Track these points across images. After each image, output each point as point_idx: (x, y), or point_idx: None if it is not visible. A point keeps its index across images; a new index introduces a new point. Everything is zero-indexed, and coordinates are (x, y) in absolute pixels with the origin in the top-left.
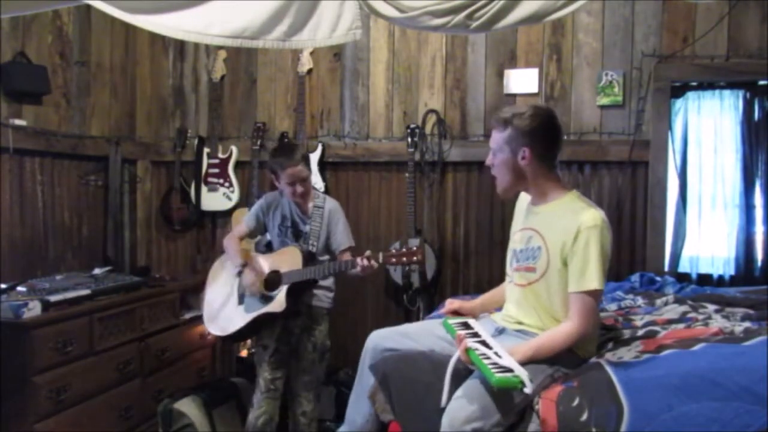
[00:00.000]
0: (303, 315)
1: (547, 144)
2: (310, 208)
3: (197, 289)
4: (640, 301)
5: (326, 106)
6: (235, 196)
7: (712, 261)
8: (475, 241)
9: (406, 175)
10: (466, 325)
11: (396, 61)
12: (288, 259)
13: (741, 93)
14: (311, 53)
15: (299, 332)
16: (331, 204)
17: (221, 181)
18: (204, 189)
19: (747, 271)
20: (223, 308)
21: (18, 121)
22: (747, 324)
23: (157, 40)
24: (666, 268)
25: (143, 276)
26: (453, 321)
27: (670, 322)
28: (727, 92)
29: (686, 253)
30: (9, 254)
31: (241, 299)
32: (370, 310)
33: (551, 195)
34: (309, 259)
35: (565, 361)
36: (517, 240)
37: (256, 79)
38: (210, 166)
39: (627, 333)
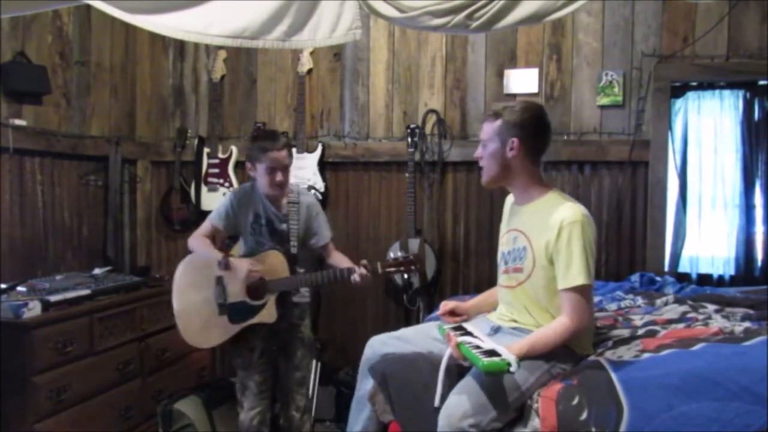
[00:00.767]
0: (289, 313)
1: (535, 138)
2: (285, 205)
3: None
4: (640, 301)
5: (326, 106)
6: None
7: (712, 261)
8: (475, 241)
9: (406, 175)
10: (461, 328)
11: (396, 61)
12: (273, 266)
13: (741, 93)
14: (311, 53)
15: (286, 330)
16: (306, 198)
17: (221, 181)
18: (204, 189)
19: (747, 271)
20: (202, 318)
21: (18, 121)
22: (747, 324)
23: (157, 40)
24: (666, 268)
25: (143, 276)
26: (448, 326)
27: (670, 321)
28: (727, 92)
29: (686, 253)
30: (9, 254)
31: (222, 308)
32: (370, 310)
33: (533, 194)
34: (293, 263)
35: (561, 357)
36: (504, 242)
37: (256, 79)
38: (210, 166)
39: (627, 333)
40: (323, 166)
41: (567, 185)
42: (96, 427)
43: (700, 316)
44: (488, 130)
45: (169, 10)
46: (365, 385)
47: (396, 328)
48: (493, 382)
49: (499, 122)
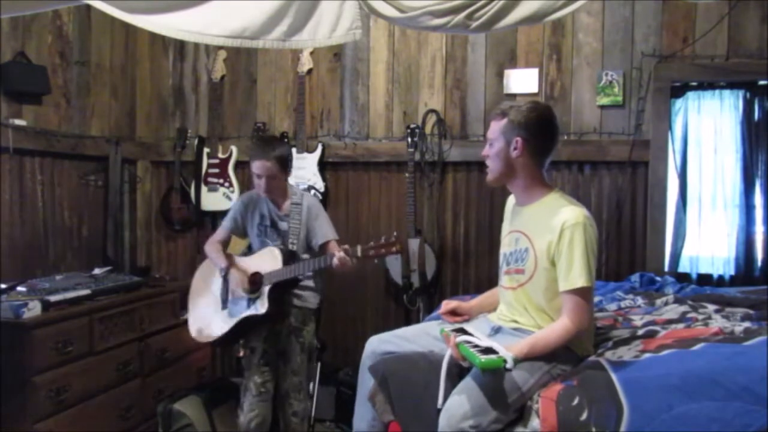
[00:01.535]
0: (290, 316)
1: (540, 139)
2: (287, 206)
3: None
4: (640, 301)
5: (326, 106)
6: (235, 196)
7: (712, 261)
8: (475, 241)
9: (406, 175)
10: (462, 331)
11: (396, 61)
12: (268, 260)
13: (741, 93)
14: (311, 53)
15: (287, 334)
16: (309, 200)
17: (221, 181)
18: (204, 189)
19: (747, 271)
20: (208, 314)
21: (18, 121)
22: (747, 324)
23: (157, 40)
24: (666, 268)
25: (143, 276)
26: (448, 327)
27: (670, 322)
28: (727, 92)
29: (686, 253)
30: (9, 254)
31: (224, 304)
32: (370, 310)
33: (535, 195)
34: (289, 257)
35: (562, 359)
36: (506, 243)
37: (256, 79)
38: (210, 166)
39: (627, 333)
40: (323, 166)
41: (567, 185)
42: (96, 427)
43: (700, 316)
44: (494, 128)
45: (169, 10)
46: (366, 384)
47: (396, 328)
48: (494, 383)
49: (504, 121)
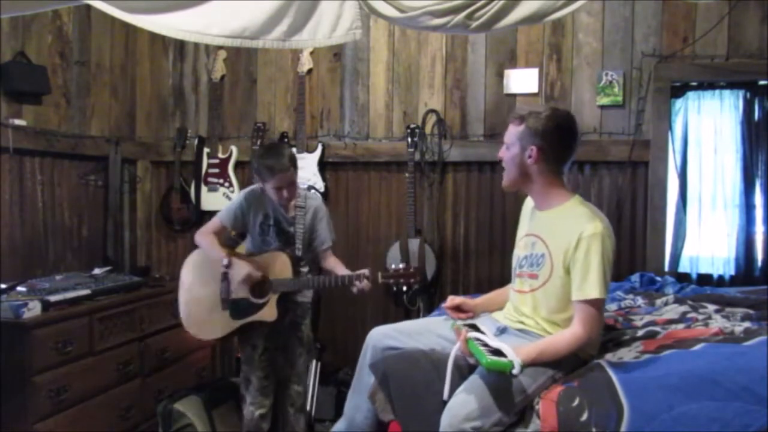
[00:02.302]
0: (291, 311)
1: (557, 147)
2: (292, 208)
3: None
4: (640, 301)
5: (326, 106)
6: (235, 196)
7: (712, 261)
8: (475, 241)
9: (406, 175)
10: (475, 327)
11: (396, 61)
12: (277, 266)
13: (741, 93)
14: (311, 53)
15: (287, 329)
16: (313, 201)
17: (221, 181)
18: (204, 189)
19: (747, 271)
20: (206, 311)
21: (18, 121)
22: (747, 324)
23: (157, 40)
24: (666, 268)
25: (143, 276)
26: (460, 322)
27: (670, 322)
28: (727, 92)
29: (686, 253)
30: (9, 254)
31: (224, 303)
32: (370, 310)
33: (554, 200)
34: (297, 265)
35: (568, 366)
36: (521, 246)
37: (256, 79)
38: (210, 166)
39: (627, 333)
40: (323, 166)
41: (567, 185)
42: (96, 427)
43: (700, 317)
44: (511, 133)
45: (169, 10)
46: (364, 376)
47: None
48: (499, 384)
49: (522, 127)
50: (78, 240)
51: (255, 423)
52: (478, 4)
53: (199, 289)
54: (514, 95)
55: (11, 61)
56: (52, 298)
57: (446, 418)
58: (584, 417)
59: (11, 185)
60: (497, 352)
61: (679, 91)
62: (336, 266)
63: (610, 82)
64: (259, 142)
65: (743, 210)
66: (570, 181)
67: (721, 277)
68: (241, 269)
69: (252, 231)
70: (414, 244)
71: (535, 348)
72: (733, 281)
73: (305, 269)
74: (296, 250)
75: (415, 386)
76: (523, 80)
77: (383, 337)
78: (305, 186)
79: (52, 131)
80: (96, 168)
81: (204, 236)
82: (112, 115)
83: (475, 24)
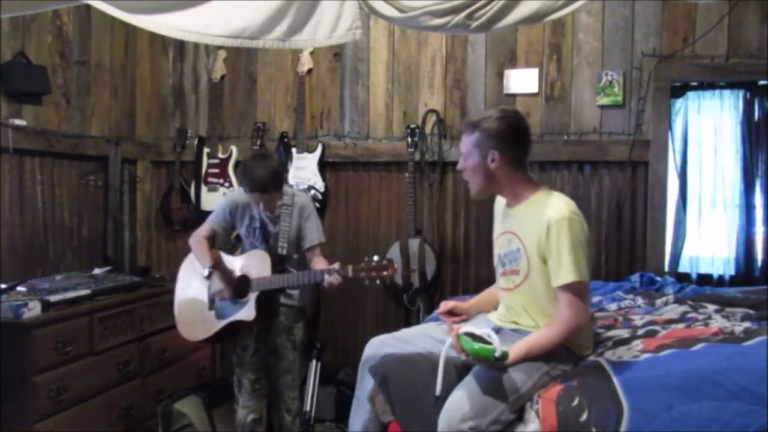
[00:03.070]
0: (280, 315)
1: (515, 146)
2: (278, 207)
3: None
4: (640, 301)
5: (326, 106)
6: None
7: (712, 261)
8: (475, 241)
9: (406, 175)
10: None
11: (396, 61)
12: (257, 264)
13: (741, 93)
14: (311, 53)
15: (278, 332)
16: (300, 199)
17: (221, 181)
18: (204, 189)
19: (747, 271)
20: (195, 312)
21: (18, 121)
22: (747, 324)
23: (157, 40)
24: (666, 268)
25: (143, 276)
26: (465, 330)
27: (670, 322)
28: (727, 92)
29: (686, 253)
30: (9, 254)
31: (211, 304)
32: (370, 310)
33: (523, 195)
34: (278, 263)
35: (560, 358)
36: (499, 244)
37: (256, 79)
38: (210, 166)
39: (627, 333)
40: (323, 166)
41: (567, 185)
42: (96, 427)
43: (700, 316)
44: (467, 142)
45: (169, 10)
46: (365, 385)
47: (396, 328)
48: (494, 382)
49: (477, 134)
50: (78, 240)
51: (249, 428)
52: (478, 4)
53: (190, 290)
54: (514, 95)
55: (11, 61)
56: (52, 298)
57: (443, 420)
58: (584, 417)
59: (11, 185)
60: (484, 341)
61: (679, 91)
62: (317, 263)
63: (610, 82)
64: (259, 142)
65: (743, 210)
66: (570, 181)
67: (721, 277)
68: (215, 285)
69: (240, 232)
70: (414, 244)
71: (524, 344)
72: (733, 281)
73: (292, 270)
74: (280, 248)
75: (414, 387)
76: (523, 80)
77: (380, 346)
78: (305, 186)
79: (52, 131)
80: (96, 168)
81: (196, 241)
82: (112, 115)
83: (475, 24)
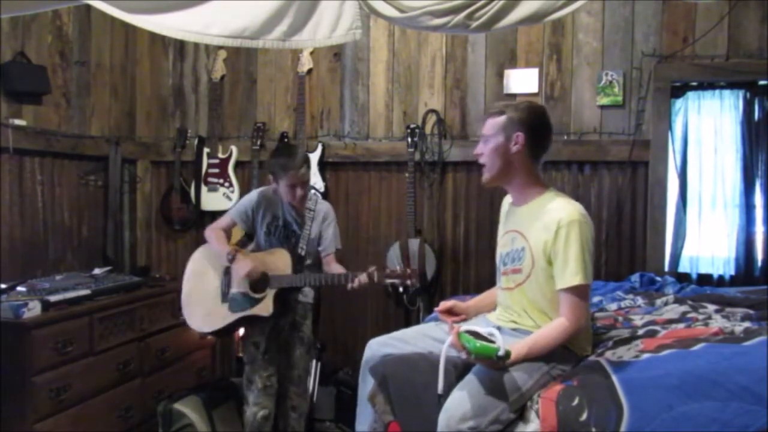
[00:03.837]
0: (291, 312)
1: (538, 135)
2: (303, 210)
3: None
4: (640, 301)
5: (326, 106)
6: (235, 196)
7: (712, 261)
8: (475, 241)
9: (406, 175)
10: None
11: (396, 61)
12: (277, 262)
13: (741, 93)
14: (311, 53)
15: (289, 328)
16: (323, 206)
17: (221, 181)
18: (204, 189)
19: (747, 271)
20: (206, 303)
21: (18, 121)
22: (747, 324)
23: (157, 40)
24: (666, 268)
25: (143, 276)
26: (466, 328)
27: (670, 322)
28: (727, 92)
29: (686, 253)
30: (9, 254)
31: (224, 297)
32: (370, 310)
33: (531, 194)
34: (298, 263)
35: (560, 359)
36: (502, 243)
37: (256, 79)
38: (210, 166)
39: (627, 333)
40: (323, 166)
41: (567, 185)
42: (96, 427)
43: (700, 316)
44: (492, 124)
45: (169, 10)
46: (367, 386)
47: (396, 328)
48: (493, 381)
49: (503, 118)
50: (78, 240)
51: (258, 425)
52: (478, 4)
53: (202, 281)
54: (514, 95)
55: (11, 61)
56: (52, 298)
57: (443, 419)
58: (584, 416)
59: (11, 185)
60: (486, 339)
61: (679, 91)
62: (332, 267)
63: (610, 82)
64: (259, 142)
65: (743, 210)
66: (570, 181)
67: (721, 277)
68: (244, 264)
69: (258, 231)
70: (414, 244)
71: (524, 344)
72: (733, 281)
73: (308, 270)
74: (300, 249)
75: (414, 387)
76: (523, 80)
77: (380, 346)
78: None
79: (52, 131)
80: (96, 168)
81: (213, 231)
82: (112, 115)
83: (475, 24)
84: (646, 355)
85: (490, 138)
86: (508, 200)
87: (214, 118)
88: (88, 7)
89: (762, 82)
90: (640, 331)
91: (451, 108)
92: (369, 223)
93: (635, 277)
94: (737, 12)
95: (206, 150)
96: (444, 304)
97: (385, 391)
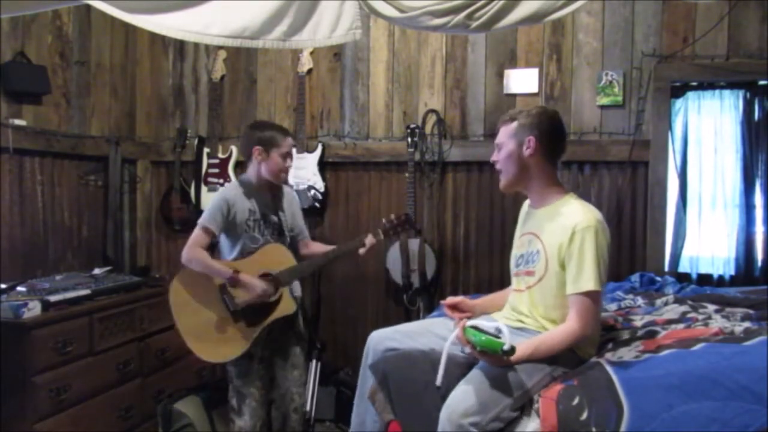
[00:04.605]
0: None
1: (550, 138)
2: (276, 196)
3: None
4: (640, 301)
5: (326, 106)
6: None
7: (712, 261)
8: (475, 241)
9: (406, 175)
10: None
11: (396, 61)
12: (278, 258)
13: (741, 93)
14: (311, 53)
15: (282, 326)
16: (288, 189)
17: (221, 181)
18: (204, 189)
19: (747, 271)
20: (215, 331)
21: (18, 121)
22: (747, 324)
23: (157, 40)
24: (666, 268)
25: (143, 276)
26: (472, 323)
27: (670, 322)
28: (727, 92)
29: (686, 253)
30: (9, 254)
31: (235, 315)
32: (370, 310)
33: (549, 197)
34: (295, 252)
35: (564, 361)
36: (518, 245)
37: (256, 79)
38: (210, 166)
39: (627, 333)
40: (323, 166)
41: (567, 185)
42: (96, 427)
43: (700, 316)
44: (504, 132)
45: (169, 10)
46: (367, 381)
47: None
48: (497, 378)
49: (515, 124)
50: (78, 240)
51: None
52: (478, 4)
53: (198, 311)
54: (514, 95)
55: (11, 61)
56: (52, 298)
57: (445, 414)
58: (584, 416)
59: (11, 185)
60: (492, 334)
61: (679, 91)
62: (320, 248)
63: (610, 82)
64: None
65: (743, 210)
66: (569, 181)
67: (721, 277)
68: (252, 285)
69: (238, 230)
70: (414, 244)
71: (530, 344)
72: (733, 281)
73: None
74: (287, 236)
75: (415, 386)
76: (523, 80)
77: (383, 339)
78: (305, 186)
79: (52, 131)
80: (96, 168)
81: (195, 251)
82: (112, 115)
83: (475, 24)
84: (646, 355)
85: (503, 145)
86: (527, 202)
87: (214, 118)
88: (88, 7)
89: (762, 82)
90: (640, 332)
91: (451, 108)
92: (369, 223)
93: (635, 277)
94: (737, 12)
95: (206, 150)
96: (451, 299)
97: (385, 390)
